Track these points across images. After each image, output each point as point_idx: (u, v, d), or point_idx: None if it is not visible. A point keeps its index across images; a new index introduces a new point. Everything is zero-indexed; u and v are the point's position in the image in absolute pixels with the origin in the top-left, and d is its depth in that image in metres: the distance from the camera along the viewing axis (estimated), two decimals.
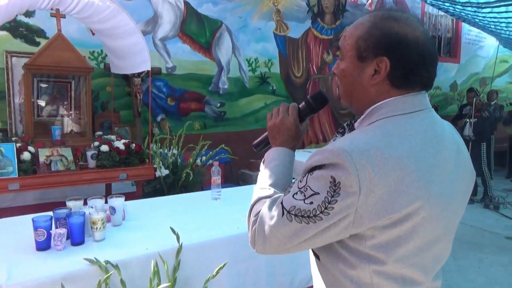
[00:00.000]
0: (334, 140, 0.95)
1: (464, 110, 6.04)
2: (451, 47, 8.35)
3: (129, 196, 2.26)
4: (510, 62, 9.37)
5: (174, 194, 2.64)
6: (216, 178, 2.45)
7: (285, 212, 0.77)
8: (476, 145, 5.73)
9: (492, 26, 5.39)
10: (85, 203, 1.91)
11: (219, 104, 5.30)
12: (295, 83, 5.98)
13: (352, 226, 0.74)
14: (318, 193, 0.74)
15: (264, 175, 0.95)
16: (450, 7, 5.03)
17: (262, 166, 0.99)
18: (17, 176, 2.47)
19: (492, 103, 6.21)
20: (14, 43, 3.80)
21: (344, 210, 0.72)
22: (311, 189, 0.75)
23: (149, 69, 2.83)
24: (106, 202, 1.97)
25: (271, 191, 0.89)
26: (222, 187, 2.49)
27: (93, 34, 4.03)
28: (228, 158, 4.07)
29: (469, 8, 4.61)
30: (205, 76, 5.15)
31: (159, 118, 4.82)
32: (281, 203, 0.79)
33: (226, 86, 5.32)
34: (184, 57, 4.96)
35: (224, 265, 1.61)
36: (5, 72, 3.61)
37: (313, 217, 0.74)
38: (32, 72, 2.89)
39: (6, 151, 2.45)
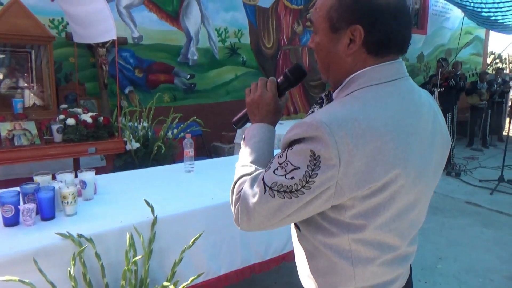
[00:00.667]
0: (312, 112, 0.96)
1: (433, 80, 6.17)
2: (418, 18, 8.48)
3: (99, 171, 2.20)
4: (474, 34, 9.66)
5: (146, 168, 2.60)
6: (189, 151, 2.42)
7: (267, 188, 0.78)
8: (443, 114, 5.91)
9: None
10: (53, 178, 1.86)
11: (188, 76, 5.19)
12: (265, 54, 5.93)
13: (333, 198, 0.75)
14: (299, 168, 0.74)
15: (245, 153, 0.94)
16: None
17: (242, 144, 0.98)
18: None
19: (458, 73, 6.41)
20: None
21: (325, 183, 0.73)
22: (292, 164, 0.75)
23: (115, 38, 2.71)
24: (76, 177, 1.92)
25: (252, 168, 0.89)
26: (195, 160, 2.48)
27: (52, 0, 3.80)
28: (200, 130, 4.03)
29: None
30: (173, 47, 5.00)
31: (127, 91, 4.68)
32: (263, 179, 0.79)
33: (195, 57, 5.20)
34: (151, 26, 4.78)
35: (200, 235, 1.62)
36: None
37: (295, 192, 0.75)
38: None
39: None
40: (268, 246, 2.05)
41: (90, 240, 1.48)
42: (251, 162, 0.91)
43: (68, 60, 4.17)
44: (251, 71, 5.79)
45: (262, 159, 0.92)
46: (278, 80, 1.02)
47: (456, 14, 8.78)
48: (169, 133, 3.25)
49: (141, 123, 3.25)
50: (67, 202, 1.66)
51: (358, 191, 0.74)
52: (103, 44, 4.10)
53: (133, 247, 1.54)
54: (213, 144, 5.27)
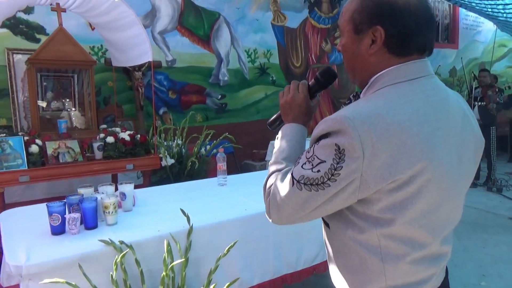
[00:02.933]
0: None
1: (474, 93, 5.90)
2: (449, 33, 8.36)
3: (136, 187, 2.30)
4: (509, 46, 9.38)
5: (180, 182, 2.68)
6: (222, 165, 2.49)
7: (295, 181, 0.81)
8: (485, 129, 5.60)
9: (489, 10, 5.40)
10: (95, 191, 1.96)
11: (220, 96, 5.33)
12: (294, 73, 6.01)
13: (359, 191, 0.77)
14: (325, 161, 0.77)
15: (277, 151, 0.99)
16: None
17: (276, 142, 1.02)
18: (26, 168, 2.51)
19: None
20: (14, 40, 3.83)
21: (350, 175, 0.75)
22: (318, 158, 0.79)
23: (151, 59, 2.86)
24: (116, 190, 2.01)
25: (283, 164, 0.93)
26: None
27: (93, 28, 4.06)
28: (232, 148, 4.11)
29: None
30: (205, 69, 5.18)
31: (161, 111, 4.86)
32: (291, 173, 0.83)
33: (226, 78, 5.35)
34: (184, 50, 4.98)
35: (235, 243, 1.65)
36: (7, 69, 3.64)
37: (321, 184, 0.78)
38: (35, 67, 2.93)
39: (15, 144, 2.49)
40: (299, 257, 2.05)
41: (130, 246, 1.55)
42: (282, 159, 0.95)
43: (106, 84, 4.40)
44: (281, 89, 5.80)
45: (293, 156, 0.95)
46: (310, 83, 1.07)
47: (488, 27, 8.59)
48: (202, 150, 3.34)
49: (175, 141, 3.36)
50: (109, 212, 1.75)
51: (383, 184, 0.76)
52: (139, 68, 4.31)
53: (171, 254, 1.59)
54: (244, 162, 5.33)
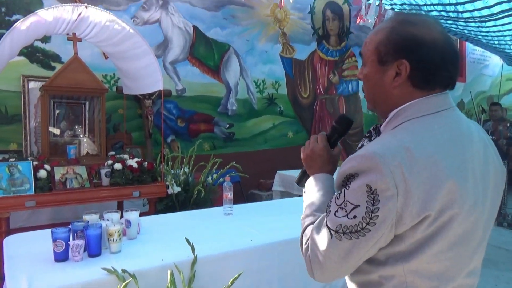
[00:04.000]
0: (362, 146, 0.99)
1: (485, 126, 5.92)
2: None
3: (142, 215, 2.29)
4: None
5: (186, 211, 2.66)
6: (228, 194, 2.47)
7: (333, 232, 0.78)
8: None
9: (496, 42, 5.46)
10: (101, 218, 1.95)
11: (228, 125, 5.37)
12: (302, 103, 6.06)
13: (395, 228, 0.75)
14: (359, 205, 0.76)
15: (307, 203, 0.98)
16: (453, 25, 5.12)
17: (304, 197, 1.01)
18: (33, 193, 2.52)
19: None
20: (30, 67, 3.94)
21: (388, 215, 0.74)
22: (351, 203, 0.77)
23: (162, 88, 2.91)
24: (121, 217, 2.00)
25: (315, 216, 0.91)
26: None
27: (106, 58, 4.17)
28: (238, 177, 4.09)
29: (472, 24, 4.70)
30: (214, 98, 5.25)
31: (169, 139, 4.90)
32: (326, 224, 0.80)
33: (234, 108, 5.41)
34: (194, 79, 5.08)
35: (239, 275, 1.62)
36: (22, 95, 3.73)
37: (361, 231, 0.75)
38: (49, 94, 3.00)
39: (24, 169, 2.51)
40: None
41: (133, 276, 1.52)
42: (314, 211, 0.93)
43: (117, 112, 4.47)
44: (288, 120, 5.91)
45: (324, 206, 0.92)
46: (327, 132, 1.08)
47: (495, 61, 8.66)
48: (209, 178, 3.33)
49: (182, 169, 3.37)
50: (113, 240, 1.73)
51: (417, 219, 0.74)
52: (150, 96, 4.38)
53: (174, 284, 1.55)
54: (251, 191, 5.29)
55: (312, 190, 0.98)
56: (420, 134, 0.79)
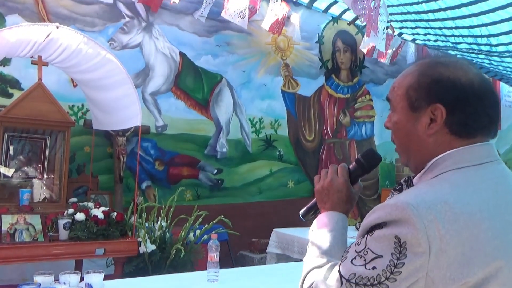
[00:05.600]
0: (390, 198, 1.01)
1: None
2: None
3: (105, 278, 2.26)
4: None
5: (160, 275, 2.63)
6: (214, 255, 2.44)
7: (344, 281, 0.80)
8: None
9: None
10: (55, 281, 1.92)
11: (215, 171, 5.39)
12: (306, 147, 6.13)
13: None
14: (381, 256, 0.77)
15: (315, 243, 1.00)
16: (485, 60, 5.28)
17: (311, 234, 1.04)
18: None
19: None
20: None
21: (413, 274, 0.75)
22: (373, 252, 0.79)
23: (140, 124, 2.97)
24: (81, 280, 1.97)
25: (324, 259, 0.93)
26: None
27: (75, 86, 4.26)
28: (226, 234, 4.06)
29: (508, 59, 4.84)
30: (200, 137, 5.30)
31: (144, 185, 4.89)
32: (338, 271, 0.82)
33: (225, 150, 5.46)
34: (177, 115, 5.15)
35: None
36: None
37: (378, 285, 0.77)
38: (4, 126, 3.04)
39: None
40: None
41: None
42: (323, 253, 0.95)
43: (82, 150, 4.49)
44: (289, 166, 5.95)
45: (335, 250, 0.95)
46: (350, 166, 1.12)
47: None
48: (191, 235, 3.31)
49: (158, 222, 3.35)
50: None
51: (453, 286, 0.75)
52: (123, 133, 4.43)
53: None
54: (240, 252, 5.22)
55: (322, 229, 1.01)
56: (462, 187, 0.82)
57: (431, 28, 5.21)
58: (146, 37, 4.93)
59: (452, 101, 0.88)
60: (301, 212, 1.20)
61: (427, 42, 6.06)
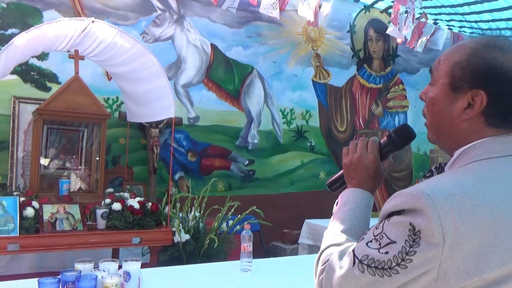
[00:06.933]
0: None
1: None
2: None
3: (141, 267, 2.31)
4: None
5: (195, 264, 2.67)
6: (247, 245, 2.46)
7: (357, 261, 0.80)
8: None
9: None
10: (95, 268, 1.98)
11: (247, 162, 5.41)
12: (338, 138, 6.08)
13: (435, 285, 0.75)
14: (395, 242, 0.77)
15: (336, 219, 1.00)
16: None
17: (335, 209, 1.04)
18: (17, 234, 2.59)
19: None
20: (23, 88, 4.13)
21: (425, 264, 0.74)
22: (387, 237, 0.78)
23: (173, 116, 3.01)
24: (120, 267, 2.03)
25: (343, 237, 0.93)
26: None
27: (110, 79, 4.35)
28: (258, 225, 4.08)
29: None
30: (232, 129, 5.33)
31: (177, 176, 4.96)
32: (353, 251, 0.83)
33: (256, 141, 5.47)
34: (209, 106, 5.19)
35: None
36: (11, 119, 3.89)
37: (388, 270, 0.77)
38: (43, 118, 3.13)
39: (8, 206, 2.60)
40: None
41: None
42: (342, 231, 0.95)
43: (117, 142, 4.59)
44: (321, 157, 5.91)
45: (356, 229, 0.95)
46: (381, 141, 1.08)
47: None
48: (223, 225, 3.34)
49: (192, 213, 3.39)
50: None
51: (467, 281, 0.74)
52: (157, 125, 4.50)
53: None
54: (273, 243, 5.24)
55: (345, 206, 1.00)
56: (487, 178, 0.79)
57: (467, 21, 5.04)
58: (178, 30, 4.98)
59: (496, 91, 0.84)
60: (327, 182, 1.19)
61: (462, 33, 5.88)
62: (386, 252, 0.77)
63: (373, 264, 0.78)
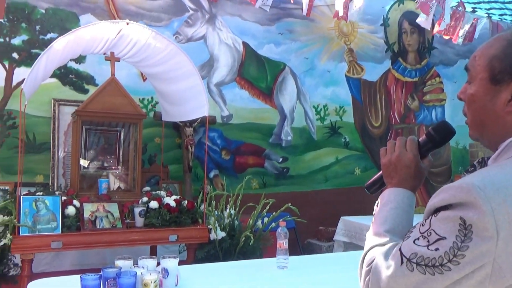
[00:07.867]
0: None
1: None
2: None
3: (179, 264, 2.35)
4: None
5: (231, 261, 2.69)
6: (283, 242, 2.46)
7: (405, 260, 0.78)
8: None
9: None
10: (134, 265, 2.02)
11: (281, 159, 5.41)
12: (372, 134, 5.98)
13: (489, 280, 0.73)
14: (445, 238, 0.75)
15: (378, 220, 0.98)
16: None
17: (376, 209, 1.02)
18: (60, 232, 2.68)
19: None
20: (62, 90, 4.26)
21: (479, 259, 0.72)
22: (436, 233, 0.76)
23: (207, 114, 3.04)
24: (158, 264, 2.07)
25: (386, 237, 0.91)
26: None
27: (144, 79, 4.43)
28: (293, 222, 4.06)
29: None
30: (265, 126, 5.33)
31: (211, 174, 5.00)
32: (400, 249, 0.81)
33: (289, 138, 5.45)
34: (242, 104, 5.21)
35: None
36: (52, 121, 4.03)
37: (440, 267, 0.74)
38: (82, 119, 3.23)
39: (51, 205, 2.69)
40: None
41: None
42: (386, 231, 0.93)
43: (153, 141, 4.67)
44: (355, 153, 5.84)
45: (400, 229, 0.93)
46: (420, 139, 1.07)
47: None
48: (259, 222, 3.35)
49: (227, 210, 3.41)
50: None
51: None
52: (191, 124, 4.55)
53: None
54: (308, 240, 5.22)
55: (386, 206, 0.99)
56: None
57: (508, 9, 4.86)
58: (210, 29, 5.01)
59: None
60: (366, 184, 1.17)
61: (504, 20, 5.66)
62: (436, 249, 0.75)
63: (423, 262, 0.76)
